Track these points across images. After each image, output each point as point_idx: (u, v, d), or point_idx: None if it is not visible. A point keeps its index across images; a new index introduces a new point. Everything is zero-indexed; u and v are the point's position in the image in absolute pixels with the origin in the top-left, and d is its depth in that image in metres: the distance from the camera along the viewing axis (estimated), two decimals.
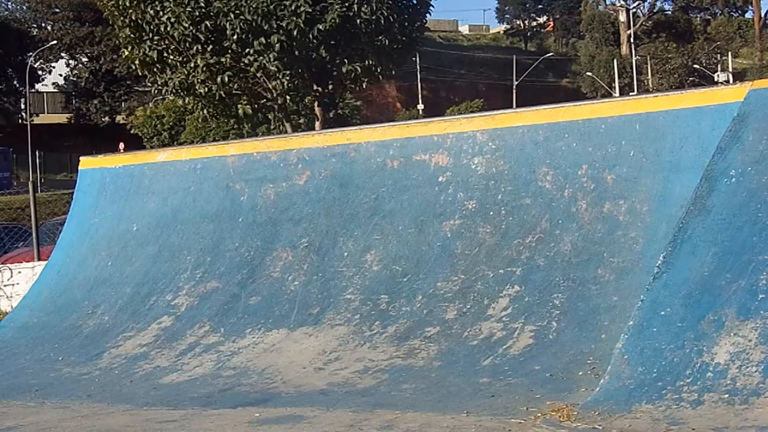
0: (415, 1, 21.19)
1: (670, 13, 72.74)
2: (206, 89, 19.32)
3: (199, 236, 8.15)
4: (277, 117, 21.76)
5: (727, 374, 4.53)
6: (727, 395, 4.44)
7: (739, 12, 75.40)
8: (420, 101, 62.45)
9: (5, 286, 12.01)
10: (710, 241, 5.12)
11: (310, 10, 18.58)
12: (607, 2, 69.83)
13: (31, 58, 52.97)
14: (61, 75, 58.01)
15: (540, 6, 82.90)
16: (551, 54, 73.63)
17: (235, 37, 18.48)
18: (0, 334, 8.31)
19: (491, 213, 6.77)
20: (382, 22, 19.37)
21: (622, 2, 66.86)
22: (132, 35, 19.15)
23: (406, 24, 20.69)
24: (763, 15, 72.69)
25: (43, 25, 59.47)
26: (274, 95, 20.22)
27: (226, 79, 19.06)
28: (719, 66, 60.87)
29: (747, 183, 5.30)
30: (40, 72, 56.99)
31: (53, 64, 57.34)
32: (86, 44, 55.68)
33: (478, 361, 5.76)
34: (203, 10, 18.44)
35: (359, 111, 43.52)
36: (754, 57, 66.45)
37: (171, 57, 19.23)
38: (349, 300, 6.84)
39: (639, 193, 6.18)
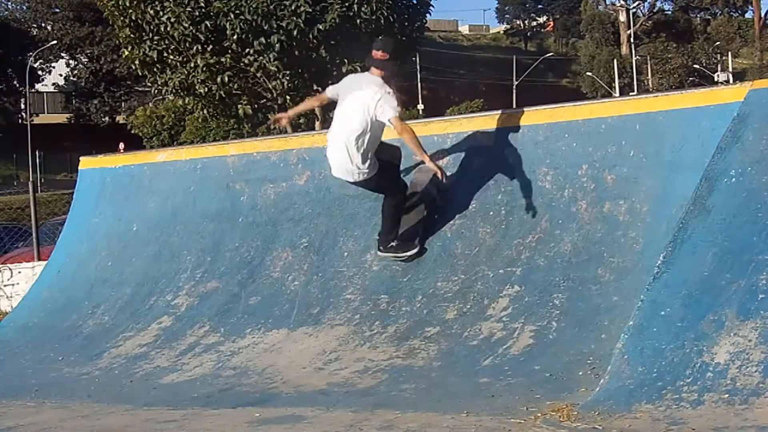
0: (415, 1, 21.18)
1: (670, 13, 72.74)
2: (206, 89, 19.31)
3: (199, 236, 8.15)
4: None
5: (727, 374, 4.52)
6: (727, 395, 4.44)
7: (739, 12, 75.42)
8: (420, 101, 62.43)
9: (5, 286, 12.02)
10: (710, 241, 5.12)
11: (310, 10, 18.57)
12: (607, 2, 69.84)
13: (31, 58, 52.96)
14: (61, 75, 57.99)
15: (540, 6, 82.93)
16: (551, 54, 73.64)
17: (235, 37, 18.46)
18: (0, 334, 8.31)
19: (491, 213, 6.77)
20: (382, 22, 19.35)
21: (622, 2, 66.85)
22: (132, 35, 19.13)
23: (406, 24, 20.66)
24: (763, 15, 72.75)
25: (43, 25, 59.46)
26: (274, 95, 20.21)
27: (226, 79, 19.05)
28: (719, 66, 60.85)
29: (747, 183, 5.29)
30: (40, 72, 56.98)
31: (53, 64, 57.32)
32: (86, 44, 55.68)
33: (478, 361, 5.76)
34: (203, 10, 18.43)
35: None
36: (754, 57, 66.46)
37: (171, 57, 19.21)
38: (349, 300, 6.83)
39: (639, 193, 6.18)
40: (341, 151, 6.46)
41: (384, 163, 6.60)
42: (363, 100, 6.36)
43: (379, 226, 7.08)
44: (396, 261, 6.89)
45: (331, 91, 6.82)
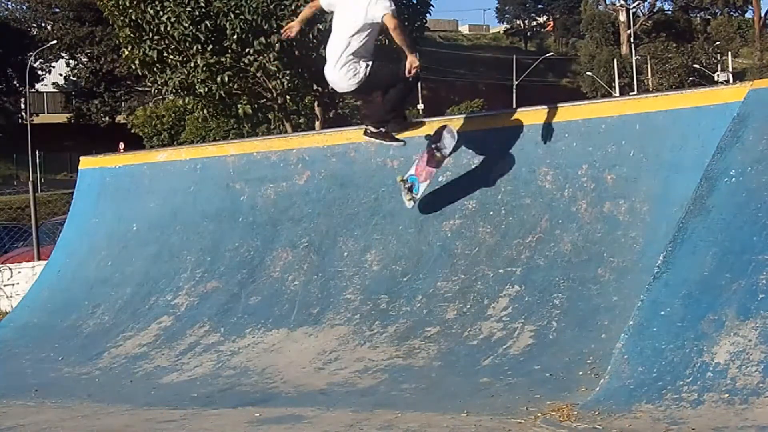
0: (415, 1, 21.16)
1: (670, 13, 72.72)
2: (206, 89, 19.27)
3: (199, 236, 8.14)
4: (277, 117, 21.72)
5: (727, 374, 4.52)
6: (727, 395, 4.44)
7: (739, 12, 75.38)
8: (420, 101, 62.41)
9: (5, 286, 12.01)
10: (710, 241, 5.12)
11: None
12: (607, 2, 69.82)
13: (31, 58, 52.95)
14: (61, 75, 57.96)
15: (540, 6, 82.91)
16: (551, 54, 73.61)
17: (235, 37, 18.44)
18: (0, 334, 8.31)
19: (491, 213, 6.77)
20: None
21: (622, 2, 66.83)
22: (132, 35, 19.10)
23: (406, 24, 20.64)
24: (763, 15, 72.72)
25: (43, 25, 59.43)
26: (274, 95, 20.18)
27: (226, 78, 19.02)
28: (719, 66, 60.82)
29: (747, 183, 5.29)
30: (40, 72, 56.95)
31: (53, 64, 57.29)
32: (86, 44, 55.66)
33: (478, 361, 5.76)
34: (203, 10, 18.40)
35: (359, 111, 43.45)
36: (754, 57, 66.40)
37: (171, 57, 19.18)
38: (349, 300, 6.83)
39: (639, 193, 6.18)
40: (337, 63, 6.46)
41: (375, 59, 6.58)
42: (355, 6, 6.39)
43: (379, 226, 7.08)
44: (397, 261, 6.86)
45: (325, 2, 6.78)
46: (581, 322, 5.77)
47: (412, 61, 6.33)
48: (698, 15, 75.31)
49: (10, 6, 60.68)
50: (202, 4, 18.43)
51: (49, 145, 52.18)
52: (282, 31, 7.19)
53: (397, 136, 6.89)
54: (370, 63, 6.46)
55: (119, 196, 9.01)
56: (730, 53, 62.99)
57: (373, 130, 6.82)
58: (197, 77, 19.11)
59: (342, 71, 6.45)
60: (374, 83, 6.56)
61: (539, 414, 4.76)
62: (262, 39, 18.59)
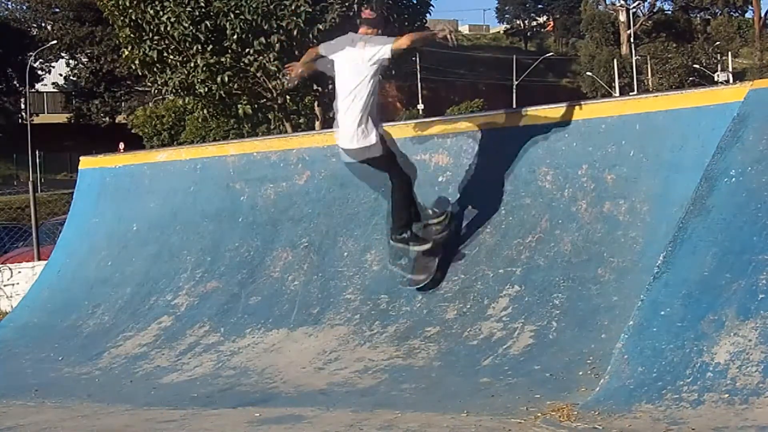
0: (415, 1, 21.15)
1: (670, 13, 72.74)
2: (206, 89, 19.27)
3: (199, 236, 8.15)
4: (277, 117, 21.72)
5: (727, 374, 4.52)
6: (727, 395, 4.44)
7: (739, 12, 75.39)
8: (420, 101, 62.38)
9: (5, 286, 12.02)
10: (710, 241, 5.12)
11: (310, 10, 18.54)
12: (607, 2, 69.82)
13: (31, 58, 52.96)
14: (61, 75, 57.96)
15: (540, 6, 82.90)
16: (551, 54, 73.60)
17: (235, 37, 18.45)
18: (0, 334, 8.31)
19: (491, 213, 6.77)
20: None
21: (622, 2, 66.84)
22: (132, 35, 19.11)
23: (406, 24, 20.63)
24: (763, 15, 72.70)
25: (43, 25, 59.43)
26: (274, 95, 20.18)
27: (226, 79, 19.02)
28: (719, 66, 60.82)
29: (747, 183, 5.29)
30: (40, 72, 56.96)
31: (53, 64, 57.30)
32: (86, 44, 55.66)
33: (478, 361, 5.76)
34: (203, 10, 18.41)
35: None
36: (754, 57, 66.38)
37: (171, 57, 19.18)
38: (349, 300, 6.83)
39: (639, 193, 6.18)
40: (345, 117, 6.29)
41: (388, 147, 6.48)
42: (353, 59, 6.36)
43: (379, 226, 7.07)
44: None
45: (323, 49, 6.76)
46: (581, 322, 5.77)
47: (442, 29, 6.30)
48: (698, 15, 75.33)
49: (10, 6, 60.70)
50: (202, 4, 18.43)
51: (49, 145, 52.18)
52: (286, 68, 7.16)
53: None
54: (381, 134, 6.29)
55: (119, 196, 9.01)
56: (730, 53, 62.98)
57: (397, 237, 6.57)
58: (197, 77, 19.12)
59: (353, 131, 6.22)
60: (377, 156, 6.30)
61: (539, 414, 4.76)
62: (262, 39, 18.59)
